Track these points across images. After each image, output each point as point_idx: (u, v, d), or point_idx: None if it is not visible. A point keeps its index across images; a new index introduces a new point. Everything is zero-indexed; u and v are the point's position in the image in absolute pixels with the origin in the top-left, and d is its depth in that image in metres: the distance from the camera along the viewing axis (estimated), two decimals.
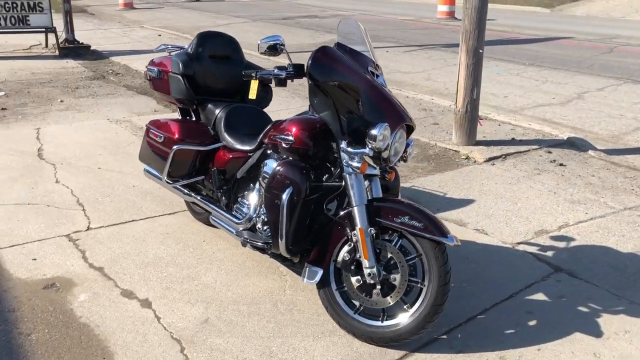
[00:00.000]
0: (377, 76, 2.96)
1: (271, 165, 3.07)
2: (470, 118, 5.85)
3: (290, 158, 3.01)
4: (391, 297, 2.84)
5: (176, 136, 3.64)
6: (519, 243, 3.94)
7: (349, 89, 2.81)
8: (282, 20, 17.29)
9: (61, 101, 7.56)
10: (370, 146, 2.75)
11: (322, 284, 2.95)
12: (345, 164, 2.85)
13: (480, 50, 5.64)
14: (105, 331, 2.94)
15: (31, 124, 6.53)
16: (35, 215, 4.18)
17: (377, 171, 2.93)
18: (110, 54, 11.18)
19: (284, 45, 2.94)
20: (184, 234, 3.97)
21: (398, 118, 2.82)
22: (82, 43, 11.44)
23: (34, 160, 5.33)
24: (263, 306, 3.17)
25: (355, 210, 2.81)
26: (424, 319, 2.75)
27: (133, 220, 4.16)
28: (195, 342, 2.87)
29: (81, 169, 5.14)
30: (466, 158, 5.64)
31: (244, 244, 3.24)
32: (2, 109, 7.11)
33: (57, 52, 10.99)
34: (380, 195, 2.96)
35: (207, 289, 3.33)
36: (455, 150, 5.81)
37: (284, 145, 2.99)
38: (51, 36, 11.05)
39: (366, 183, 2.95)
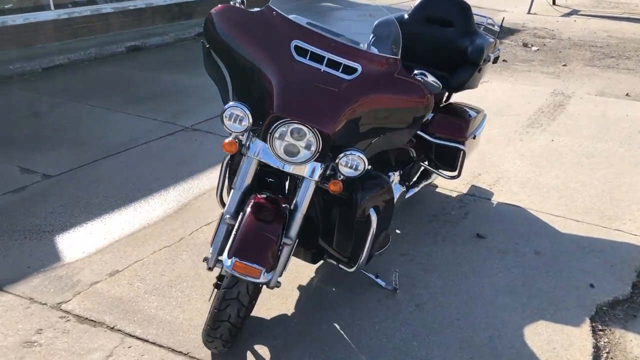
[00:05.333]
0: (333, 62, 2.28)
1: None
2: None
3: None
4: None
5: None
6: None
7: (242, 61, 2.37)
8: None
9: (564, 65, 7.26)
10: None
11: None
12: None
13: None
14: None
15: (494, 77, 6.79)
16: None
17: (283, 166, 2.37)
18: None
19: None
20: None
21: (282, 108, 2.22)
22: None
23: None
24: None
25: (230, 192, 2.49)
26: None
27: None
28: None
29: None
30: None
31: None
32: (504, 60, 7.51)
33: None
34: (303, 200, 2.40)
35: None
36: None
37: None
38: None
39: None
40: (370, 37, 2.56)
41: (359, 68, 2.29)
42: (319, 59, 2.28)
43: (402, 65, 2.50)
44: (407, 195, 3.45)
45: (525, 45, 8.30)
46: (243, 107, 2.28)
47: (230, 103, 2.30)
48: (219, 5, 2.46)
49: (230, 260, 2.12)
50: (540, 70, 7.07)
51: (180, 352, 2.50)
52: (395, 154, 3.19)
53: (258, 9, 2.45)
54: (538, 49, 8.08)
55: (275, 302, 2.81)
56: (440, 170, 3.53)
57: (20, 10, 7.49)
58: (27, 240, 3.30)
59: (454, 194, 3.94)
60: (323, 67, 2.27)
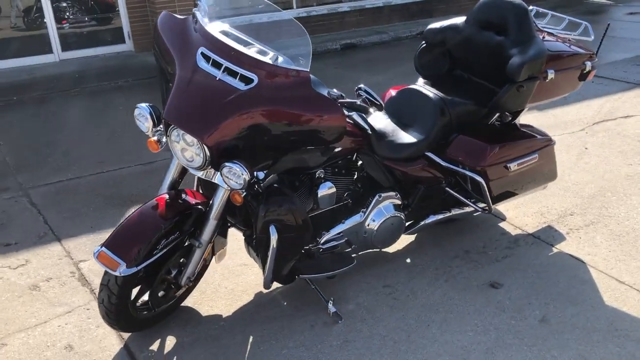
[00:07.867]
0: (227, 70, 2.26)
1: None
2: None
3: None
4: None
5: None
6: None
7: (166, 65, 2.44)
8: None
9: None
10: None
11: None
12: None
13: None
14: None
15: None
16: None
17: (197, 172, 2.44)
18: None
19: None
20: None
21: (168, 112, 2.30)
22: None
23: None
24: None
25: None
26: None
27: None
28: None
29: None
30: None
31: None
32: None
33: None
34: (215, 206, 2.47)
35: None
36: None
37: None
38: None
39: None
40: (283, 49, 2.42)
41: (255, 79, 2.23)
42: (220, 67, 2.29)
43: (315, 79, 2.34)
44: (425, 222, 3.07)
45: None
46: (145, 108, 2.44)
47: (140, 104, 2.48)
48: (162, 12, 2.62)
49: (98, 248, 2.31)
50: None
51: None
52: (393, 173, 2.90)
53: (187, 16, 2.54)
54: None
55: (223, 302, 2.89)
56: (472, 201, 3.06)
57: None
58: (113, 206, 3.96)
59: (515, 232, 3.34)
60: (219, 75, 2.27)
